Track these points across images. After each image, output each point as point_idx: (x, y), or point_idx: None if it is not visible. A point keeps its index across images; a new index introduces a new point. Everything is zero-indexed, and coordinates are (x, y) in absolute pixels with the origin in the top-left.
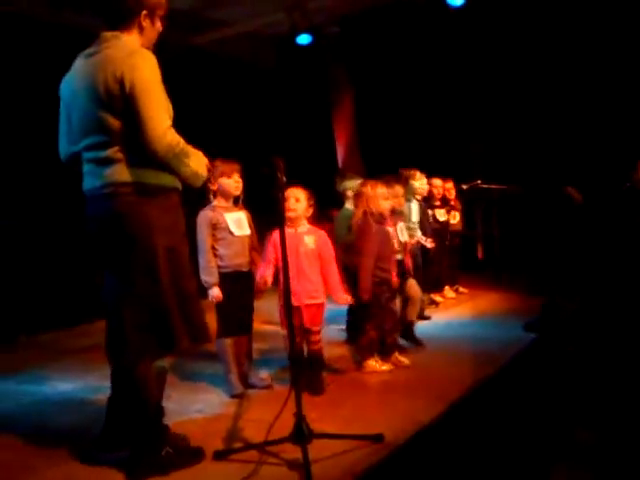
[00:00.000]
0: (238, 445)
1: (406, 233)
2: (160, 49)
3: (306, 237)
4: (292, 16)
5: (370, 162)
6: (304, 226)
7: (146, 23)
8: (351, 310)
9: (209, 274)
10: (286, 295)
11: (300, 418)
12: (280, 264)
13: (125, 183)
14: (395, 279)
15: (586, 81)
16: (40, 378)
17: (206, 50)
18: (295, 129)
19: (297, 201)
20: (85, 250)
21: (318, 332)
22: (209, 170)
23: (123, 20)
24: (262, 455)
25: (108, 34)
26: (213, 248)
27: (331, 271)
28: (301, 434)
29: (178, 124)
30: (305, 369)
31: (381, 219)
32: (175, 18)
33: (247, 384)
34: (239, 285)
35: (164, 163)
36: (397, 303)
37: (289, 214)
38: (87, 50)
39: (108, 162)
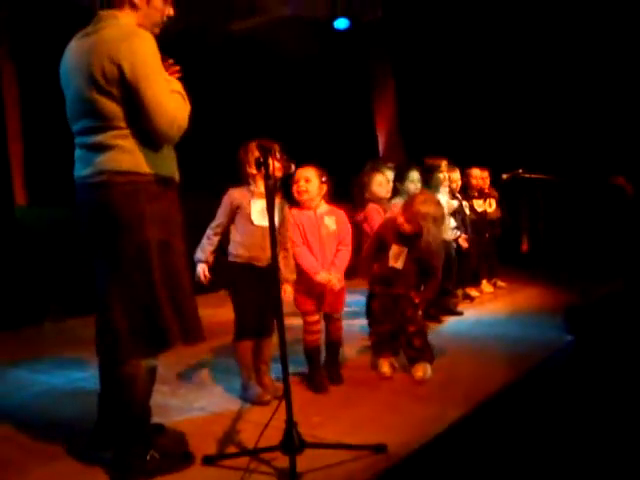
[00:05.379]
0: (232, 449)
1: None
2: (199, 35)
3: (327, 218)
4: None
5: (412, 150)
6: (323, 206)
7: (139, 0)
8: None
9: (200, 250)
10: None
11: (290, 427)
12: (307, 244)
13: (120, 172)
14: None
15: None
16: (54, 366)
17: (244, 35)
18: (335, 116)
19: (307, 181)
20: (77, 241)
21: (339, 318)
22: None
23: None
24: (252, 462)
25: (104, 13)
26: (229, 232)
27: (342, 252)
28: (290, 443)
29: (215, 109)
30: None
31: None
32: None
33: None
34: (255, 282)
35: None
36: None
37: (302, 196)
38: (83, 30)
39: (101, 148)
